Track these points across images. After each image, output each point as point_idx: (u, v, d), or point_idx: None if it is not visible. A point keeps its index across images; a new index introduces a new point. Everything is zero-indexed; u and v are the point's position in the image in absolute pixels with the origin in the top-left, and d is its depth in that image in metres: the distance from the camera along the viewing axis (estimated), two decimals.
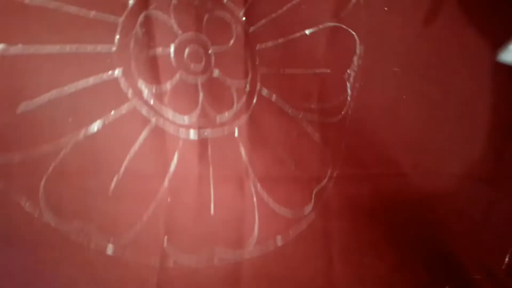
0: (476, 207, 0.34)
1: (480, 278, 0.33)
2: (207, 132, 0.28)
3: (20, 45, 0.24)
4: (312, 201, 0.31)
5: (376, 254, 0.33)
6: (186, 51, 0.28)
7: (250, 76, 0.30)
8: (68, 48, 0.25)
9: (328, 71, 0.33)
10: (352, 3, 0.33)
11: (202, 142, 0.28)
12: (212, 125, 0.28)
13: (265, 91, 0.31)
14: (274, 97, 0.31)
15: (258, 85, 0.30)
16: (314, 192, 0.32)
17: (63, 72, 0.25)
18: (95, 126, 0.26)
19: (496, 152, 0.35)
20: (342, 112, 0.34)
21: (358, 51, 0.33)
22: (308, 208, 0.31)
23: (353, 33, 0.33)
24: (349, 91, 0.34)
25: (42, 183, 0.25)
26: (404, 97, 0.35)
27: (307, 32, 0.32)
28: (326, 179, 0.32)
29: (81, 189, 0.25)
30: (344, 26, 0.33)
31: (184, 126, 0.28)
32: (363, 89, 0.34)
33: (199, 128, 0.28)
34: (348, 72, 0.34)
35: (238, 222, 0.29)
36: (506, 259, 0.35)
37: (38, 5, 0.24)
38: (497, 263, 0.36)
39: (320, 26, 0.32)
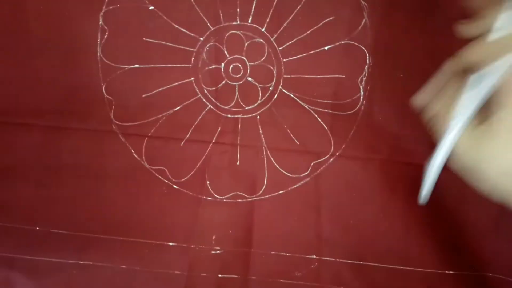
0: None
1: None
2: (239, 115, 0.44)
3: (137, 65, 0.45)
4: (309, 169, 0.43)
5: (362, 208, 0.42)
6: (231, 67, 0.44)
7: (274, 80, 0.44)
8: (169, 65, 0.45)
9: (343, 76, 0.44)
10: (361, 25, 0.43)
11: (235, 121, 0.44)
12: (242, 112, 0.44)
13: (285, 90, 0.44)
14: (292, 94, 0.44)
15: (280, 86, 0.44)
16: (312, 164, 0.43)
17: (165, 77, 0.45)
18: (180, 107, 0.44)
19: None
20: (356, 108, 0.44)
21: (368, 61, 0.43)
22: (305, 173, 0.43)
23: (363, 48, 0.43)
24: (361, 91, 0.44)
25: (145, 141, 0.45)
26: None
27: (326, 48, 0.44)
28: (327, 156, 0.43)
29: (165, 147, 0.45)
30: (356, 43, 0.44)
31: (225, 111, 0.44)
32: (374, 90, 0.44)
33: (234, 113, 0.44)
34: (361, 77, 0.44)
35: (253, 175, 0.43)
36: None
37: (153, 41, 0.45)
38: None
39: (336, 43, 0.44)
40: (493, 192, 0.30)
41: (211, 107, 0.43)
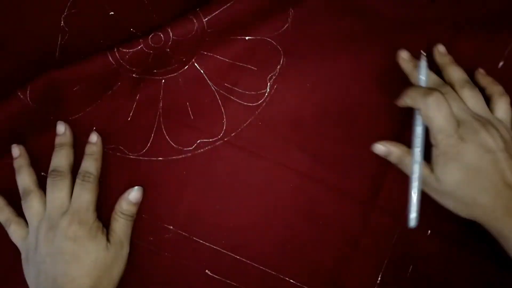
0: None
1: None
2: (144, 76, 0.45)
3: None
4: (194, 146, 0.43)
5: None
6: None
7: (190, 54, 0.45)
8: None
9: (255, 69, 0.45)
10: (283, 28, 0.45)
11: (139, 81, 0.44)
12: (150, 74, 0.45)
13: (197, 65, 0.45)
14: (202, 71, 0.45)
15: (194, 59, 0.45)
16: (198, 141, 0.43)
17: None
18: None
19: None
20: (258, 102, 0.45)
21: (281, 62, 0.45)
22: (188, 148, 0.43)
23: (280, 49, 0.45)
24: (268, 89, 0.45)
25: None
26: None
27: (247, 38, 0.45)
28: (215, 138, 0.44)
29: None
30: (274, 43, 0.45)
31: (132, 71, 0.45)
32: (279, 90, 0.45)
33: (140, 73, 0.45)
34: (271, 75, 0.45)
35: (141, 136, 0.43)
36: None
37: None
38: None
39: (258, 37, 0.45)
40: (458, 211, 0.37)
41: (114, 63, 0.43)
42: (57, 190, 0.39)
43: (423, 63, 0.39)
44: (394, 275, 0.41)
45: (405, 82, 0.41)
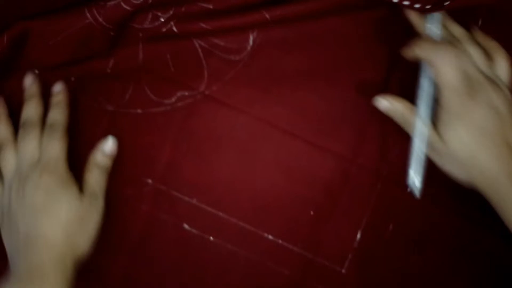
0: None
1: None
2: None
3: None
4: (174, 99, 0.42)
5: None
6: None
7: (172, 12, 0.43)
8: None
9: (237, 23, 0.44)
10: None
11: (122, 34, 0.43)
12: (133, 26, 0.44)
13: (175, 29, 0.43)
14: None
15: (173, 23, 0.43)
16: (178, 94, 0.43)
17: None
18: None
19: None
20: (240, 56, 0.44)
21: (264, 15, 0.43)
22: (168, 101, 0.43)
23: (266, 14, 0.43)
24: (250, 42, 0.44)
25: None
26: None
27: None
28: (195, 92, 0.43)
29: None
30: None
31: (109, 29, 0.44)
32: (262, 45, 0.44)
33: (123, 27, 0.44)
34: (253, 29, 0.44)
35: (122, 87, 0.42)
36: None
37: None
38: None
39: None
40: (456, 174, 0.36)
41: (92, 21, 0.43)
42: (28, 142, 0.38)
43: (436, 14, 0.37)
44: (374, 234, 0.41)
45: (394, 33, 0.40)
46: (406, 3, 0.39)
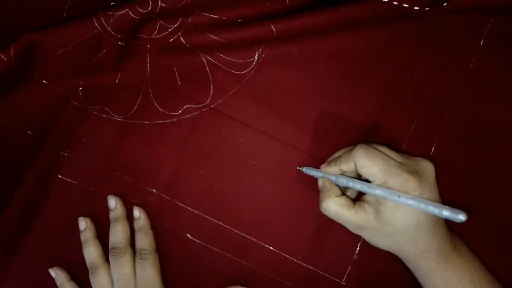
0: None
1: None
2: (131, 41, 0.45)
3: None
4: (180, 111, 0.43)
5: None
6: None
7: (179, 22, 0.44)
8: None
9: (243, 38, 0.45)
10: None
11: (126, 48, 0.44)
12: (138, 39, 0.45)
13: (182, 40, 0.44)
14: (189, 45, 0.45)
15: (180, 34, 0.44)
16: (185, 107, 0.44)
17: None
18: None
19: None
20: (246, 71, 0.45)
21: (270, 32, 0.45)
22: (175, 113, 0.44)
23: (273, 27, 0.44)
24: (256, 57, 0.45)
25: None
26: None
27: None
28: (201, 105, 0.44)
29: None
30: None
31: (118, 39, 0.45)
32: (267, 60, 0.45)
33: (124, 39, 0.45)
34: (259, 44, 0.45)
35: (130, 98, 0.44)
36: None
37: None
38: None
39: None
40: (378, 243, 0.38)
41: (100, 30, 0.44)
42: (121, 267, 0.40)
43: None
44: (373, 246, 0.42)
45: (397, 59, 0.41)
46: (405, 5, 0.41)
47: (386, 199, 0.34)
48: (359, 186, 0.36)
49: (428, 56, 0.42)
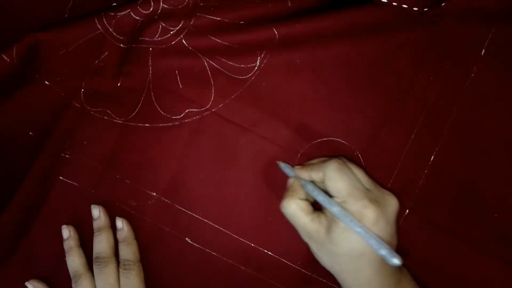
0: None
1: None
2: (133, 44, 0.45)
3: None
4: (182, 115, 0.43)
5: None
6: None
7: (180, 25, 0.44)
8: None
9: (245, 44, 0.45)
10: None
11: (129, 50, 0.44)
12: (140, 42, 0.45)
13: (185, 42, 0.44)
14: (191, 48, 0.45)
15: (182, 37, 0.44)
16: (186, 110, 0.44)
17: None
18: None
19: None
20: (247, 75, 0.45)
21: (272, 37, 0.45)
22: (177, 116, 0.44)
23: (275, 31, 0.44)
24: (258, 63, 0.45)
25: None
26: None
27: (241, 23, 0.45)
28: (202, 108, 0.44)
29: None
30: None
31: (120, 41, 0.45)
32: (269, 66, 0.45)
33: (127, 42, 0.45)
34: (261, 49, 0.45)
35: (132, 101, 0.44)
36: None
37: None
38: None
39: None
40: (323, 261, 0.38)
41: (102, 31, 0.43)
42: (105, 277, 0.40)
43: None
44: None
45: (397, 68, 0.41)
46: (404, 6, 0.41)
47: (339, 219, 0.34)
48: (321, 198, 0.36)
49: (429, 65, 0.42)
